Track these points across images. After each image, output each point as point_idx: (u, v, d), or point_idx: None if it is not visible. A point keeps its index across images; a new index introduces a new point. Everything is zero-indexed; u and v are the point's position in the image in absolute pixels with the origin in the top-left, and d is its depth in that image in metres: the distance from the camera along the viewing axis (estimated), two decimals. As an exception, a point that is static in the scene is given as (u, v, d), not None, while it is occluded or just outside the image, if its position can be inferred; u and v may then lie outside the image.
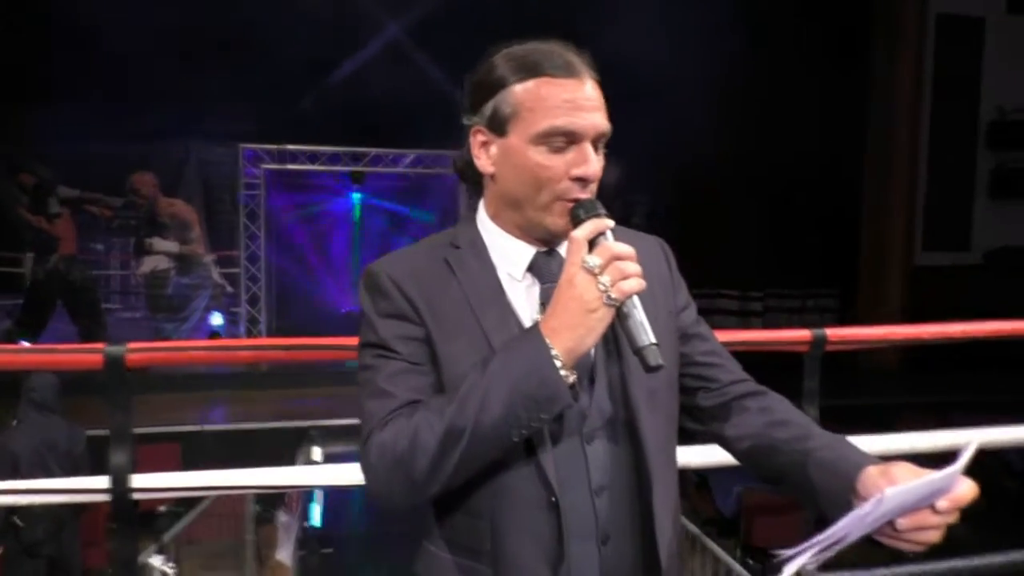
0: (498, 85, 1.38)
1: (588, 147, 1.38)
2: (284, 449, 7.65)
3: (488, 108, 1.39)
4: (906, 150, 11.34)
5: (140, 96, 10.22)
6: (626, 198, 12.33)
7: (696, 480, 7.31)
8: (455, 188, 11.97)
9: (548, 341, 1.24)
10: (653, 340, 1.24)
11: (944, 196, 11.84)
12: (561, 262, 1.35)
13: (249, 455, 7.08)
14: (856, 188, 11.89)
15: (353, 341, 1.65)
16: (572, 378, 1.25)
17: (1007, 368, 9.15)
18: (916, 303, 11.17)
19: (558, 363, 1.23)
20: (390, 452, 1.26)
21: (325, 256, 13.55)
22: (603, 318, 1.25)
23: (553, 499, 1.29)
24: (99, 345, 2.28)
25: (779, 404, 1.51)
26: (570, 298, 1.25)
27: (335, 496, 7.41)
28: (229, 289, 11.12)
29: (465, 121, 1.44)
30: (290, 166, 11.24)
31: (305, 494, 7.10)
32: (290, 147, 11.16)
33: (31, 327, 10.47)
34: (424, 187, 13.28)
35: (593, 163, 1.39)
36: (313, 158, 11.25)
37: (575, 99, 1.35)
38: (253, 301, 11.13)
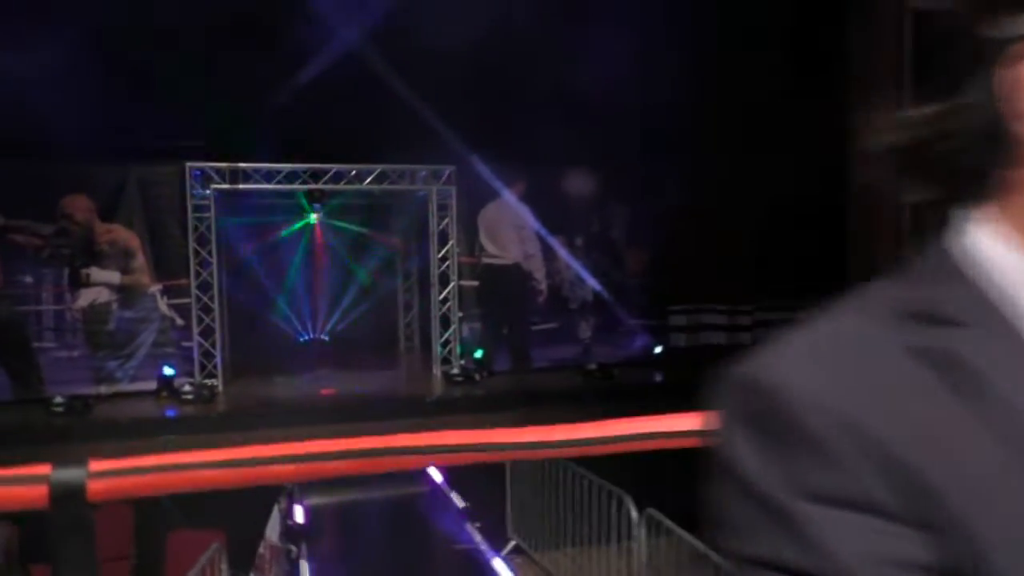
0: None
1: None
2: (256, 507, 6.60)
3: None
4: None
5: (70, 110, 9.06)
6: (603, 210, 11.60)
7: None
8: (424, 206, 11.08)
9: None
10: None
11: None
12: None
13: (215, 517, 6.06)
14: (844, 190, 11.31)
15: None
16: None
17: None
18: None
19: None
20: None
21: (284, 282, 12.55)
22: None
23: None
24: (43, 470, 1.33)
25: None
26: None
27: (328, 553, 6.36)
28: (179, 322, 9.96)
29: (992, 33, 0.60)
30: (243, 186, 10.15)
31: (284, 553, 6.07)
32: (242, 165, 10.11)
33: (-49, 372, 9.17)
34: (390, 205, 12.39)
35: None
36: (268, 176, 10.20)
37: None
38: (207, 334, 9.98)
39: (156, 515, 6.52)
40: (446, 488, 6.45)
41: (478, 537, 5.55)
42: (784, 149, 11.23)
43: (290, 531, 5.68)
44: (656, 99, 10.87)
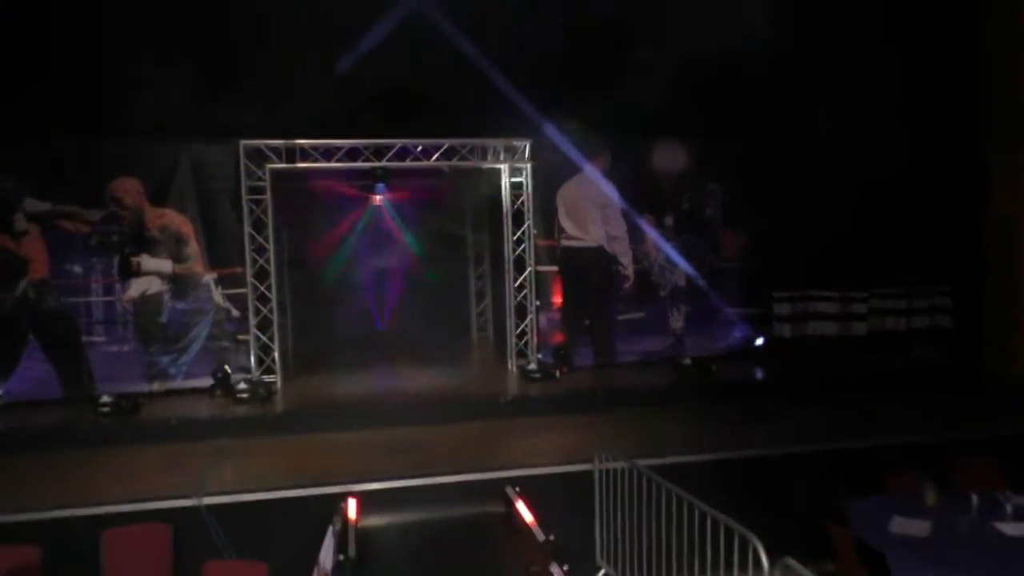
0: None
1: None
2: (308, 527, 5.79)
3: None
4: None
5: (118, 86, 8.51)
6: (697, 186, 10.51)
7: (833, 507, 5.63)
8: (497, 183, 10.13)
9: None
10: None
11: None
12: None
13: (260, 540, 5.24)
14: (978, 168, 9.86)
15: None
16: None
17: None
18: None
19: None
20: None
21: (347, 269, 11.81)
22: None
23: None
24: None
25: None
26: None
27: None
28: (235, 313, 9.32)
29: None
30: (301, 165, 9.40)
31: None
32: (300, 142, 9.36)
33: (-1, 367, 8.70)
34: (461, 183, 11.47)
35: None
36: (328, 154, 9.42)
37: None
38: (264, 326, 9.30)
39: (195, 539, 5.75)
40: (526, 512, 5.50)
41: (564, 579, 4.59)
42: (906, 118, 9.87)
43: (340, 566, 4.80)
44: (757, 63, 9.70)
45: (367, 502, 6.02)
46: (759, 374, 9.65)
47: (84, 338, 8.90)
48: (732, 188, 10.53)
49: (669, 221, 10.36)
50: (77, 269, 8.88)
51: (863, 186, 10.10)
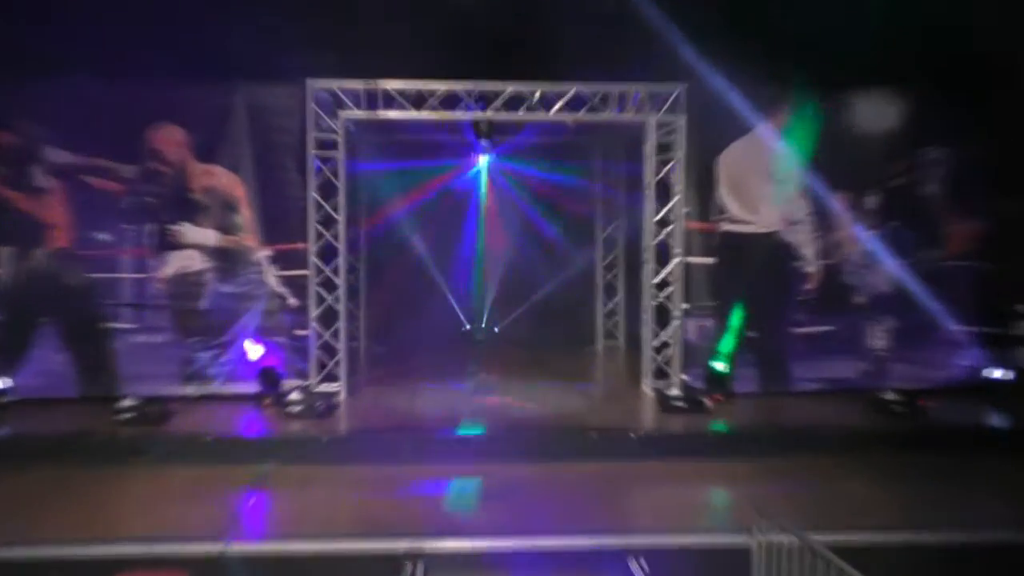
0: None
1: None
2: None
3: None
4: None
5: (161, 19, 8.47)
6: (915, 155, 9.75)
7: None
8: (637, 144, 9.60)
9: None
10: None
11: None
12: None
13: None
14: None
15: None
16: None
17: None
18: None
19: None
20: None
21: (438, 249, 11.70)
22: None
23: None
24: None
25: None
26: None
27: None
28: (293, 301, 9.25)
29: None
30: (384, 114, 9.20)
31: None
32: (384, 84, 9.14)
33: (7, 353, 8.89)
34: (588, 143, 11.05)
35: None
36: (419, 101, 9.16)
37: None
38: (328, 320, 9.17)
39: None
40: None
41: None
42: None
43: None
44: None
45: (440, 566, 5.70)
46: (995, 419, 8.77)
47: (109, 324, 9.00)
48: (963, 157, 9.72)
49: (872, 202, 9.68)
50: (105, 237, 8.98)
51: None
